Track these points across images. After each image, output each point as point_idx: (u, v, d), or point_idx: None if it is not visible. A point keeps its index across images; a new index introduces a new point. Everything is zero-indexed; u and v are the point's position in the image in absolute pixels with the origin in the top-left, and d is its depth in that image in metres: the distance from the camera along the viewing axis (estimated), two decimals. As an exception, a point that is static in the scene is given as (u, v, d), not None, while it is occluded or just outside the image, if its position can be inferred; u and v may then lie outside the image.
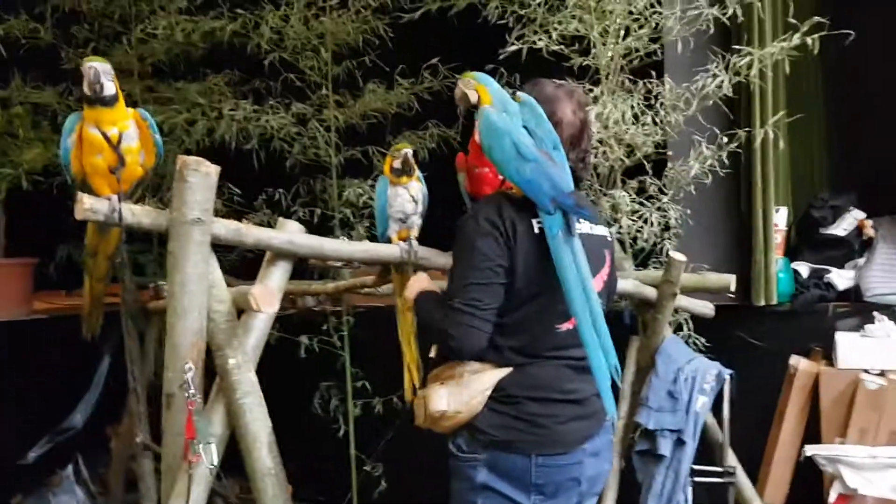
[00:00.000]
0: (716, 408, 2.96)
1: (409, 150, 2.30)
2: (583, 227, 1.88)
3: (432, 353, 2.04)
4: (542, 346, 1.83)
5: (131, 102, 4.01)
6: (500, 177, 2.11)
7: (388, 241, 2.34)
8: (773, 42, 3.18)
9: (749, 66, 3.04)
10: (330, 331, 3.73)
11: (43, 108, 3.87)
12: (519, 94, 1.91)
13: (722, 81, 3.05)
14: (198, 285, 1.83)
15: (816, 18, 2.95)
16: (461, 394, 1.80)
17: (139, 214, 1.83)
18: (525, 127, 1.84)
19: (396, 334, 2.48)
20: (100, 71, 1.84)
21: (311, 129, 3.54)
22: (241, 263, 3.54)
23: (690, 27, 3.16)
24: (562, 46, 3.15)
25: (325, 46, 3.54)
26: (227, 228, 1.92)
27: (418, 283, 2.03)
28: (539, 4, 3.13)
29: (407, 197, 2.31)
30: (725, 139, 3.10)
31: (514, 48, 3.14)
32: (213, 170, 1.82)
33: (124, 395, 3.92)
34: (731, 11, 3.09)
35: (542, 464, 1.77)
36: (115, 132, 1.87)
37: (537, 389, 1.81)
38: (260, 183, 3.67)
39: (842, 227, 3.70)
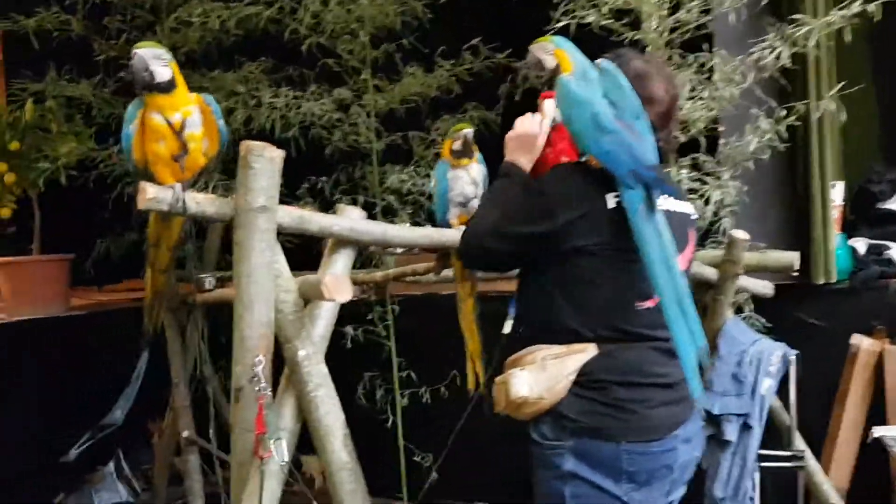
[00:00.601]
0: (781, 390, 2.88)
1: (468, 131, 2.22)
2: (667, 203, 1.79)
3: (506, 328, 1.97)
4: (626, 325, 1.75)
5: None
6: (564, 157, 2.04)
7: (448, 225, 2.27)
8: (827, 11, 3.06)
9: (807, 37, 2.93)
10: (375, 320, 3.67)
11: (76, 102, 3.83)
12: (599, 61, 1.82)
13: (780, 52, 2.94)
14: (265, 275, 1.76)
15: (877, -17, 2.83)
16: (543, 378, 1.72)
17: (203, 203, 1.76)
18: (605, 96, 1.75)
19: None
20: (146, 58, 1.76)
21: (352, 115, 3.46)
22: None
23: (742, -3, 3.05)
24: (612, 20, 3.05)
25: (364, 30, 3.44)
26: (291, 216, 1.86)
27: (523, 135, 1.98)
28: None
29: (467, 179, 2.23)
30: (784, 112, 3.00)
31: (561, 24, 3.03)
32: (278, 155, 1.75)
33: (163, 390, 3.89)
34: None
35: (633, 451, 1.69)
36: (177, 118, 1.80)
37: (625, 373, 1.73)
38: (298, 171, 3.60)
39: (900, 201, 3.58)
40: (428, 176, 3.56)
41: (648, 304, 1.76)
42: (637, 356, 1.75)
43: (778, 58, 2.95)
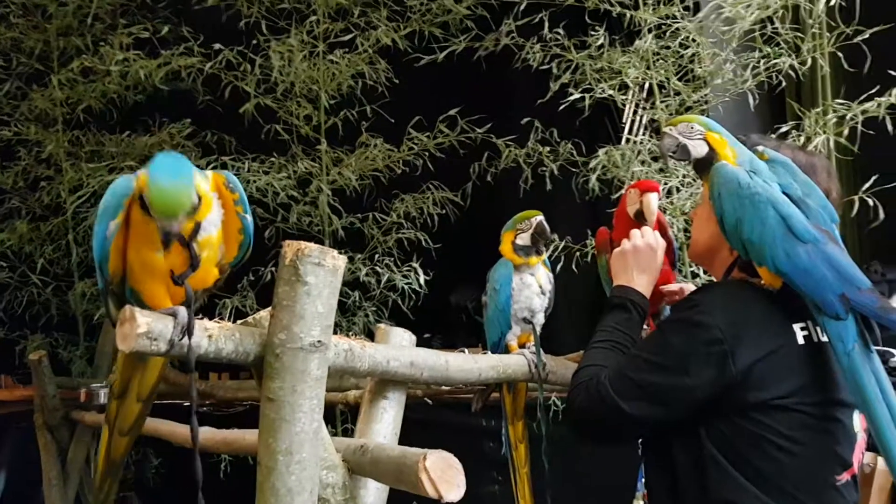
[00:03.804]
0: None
1: (540, 217, 1.68)
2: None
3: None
4: None
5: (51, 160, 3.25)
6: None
7: (505, 349, 1.71)
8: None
9: (840, 123, 2.63)
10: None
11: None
12: (762, 148, 1.39)
13: (821, 139, 2.63)
14: (311, 450, 1.13)
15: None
16: None
17: (217, 337, 1.11)
18: (786, 193, 1.35)
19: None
20: None
21: (311, 192, 2.84)
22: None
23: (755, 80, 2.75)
24: (626, 96, 2.66)
25: (326, 92, 2.86)
26: (337, 350, 1.24)
27: (641, 251, 1.51)
28: (600, 47, 2.62)
29: (535, 287, 1.69)
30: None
31: (574, 97, 2.60)
32: (342, 263, 1.14)
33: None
34: (809, 62, 2.70)
35: None
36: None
37: None
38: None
39: (901, 304, 3.32)
40: (391, 266, 2.99)
41: (846, 476, 1.34)
42: None
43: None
